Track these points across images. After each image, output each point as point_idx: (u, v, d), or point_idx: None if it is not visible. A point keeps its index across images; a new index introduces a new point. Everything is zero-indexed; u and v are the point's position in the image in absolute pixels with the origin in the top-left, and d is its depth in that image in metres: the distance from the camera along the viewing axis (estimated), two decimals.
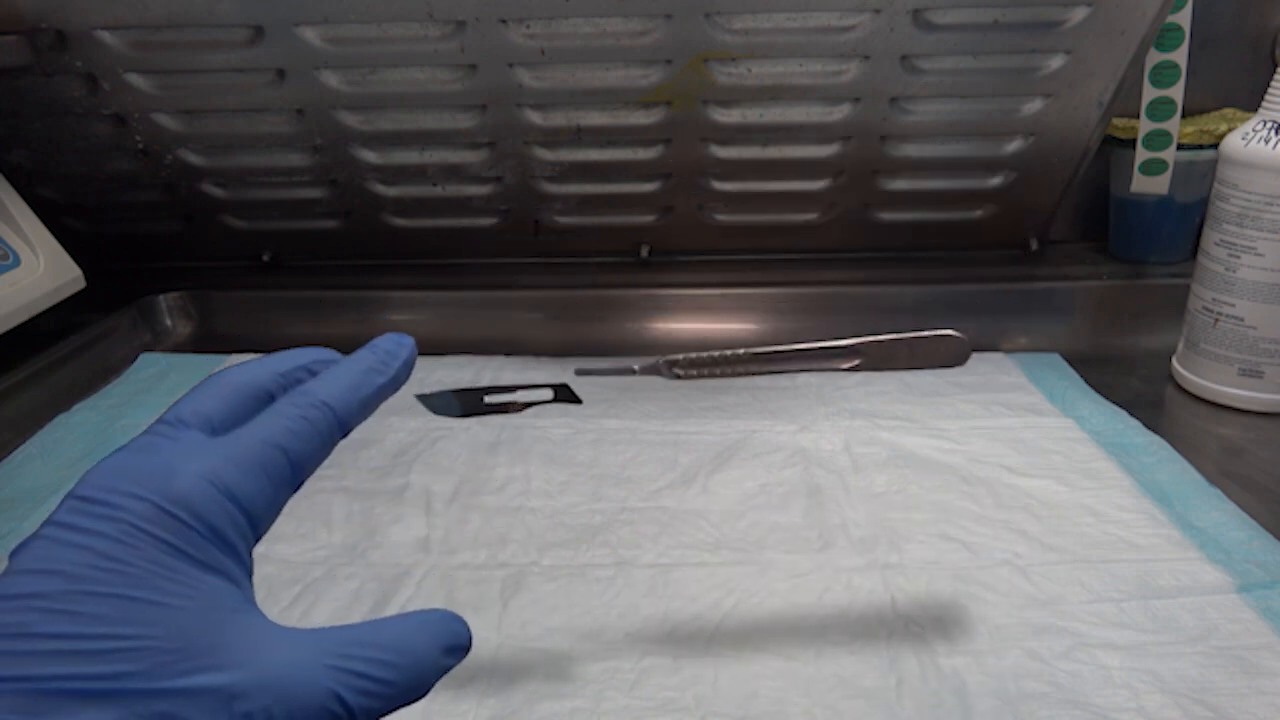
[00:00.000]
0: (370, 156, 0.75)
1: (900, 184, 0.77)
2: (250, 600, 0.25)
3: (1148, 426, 0.56)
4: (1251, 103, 0.61)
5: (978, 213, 0.79)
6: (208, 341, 0.76)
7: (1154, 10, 0.63)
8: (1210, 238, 0.59)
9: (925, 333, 0.39)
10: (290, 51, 0.67)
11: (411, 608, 0.42)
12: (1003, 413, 0.59)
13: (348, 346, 0.30)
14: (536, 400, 0.37)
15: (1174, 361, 0.64)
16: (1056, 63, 0.68)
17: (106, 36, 0.67)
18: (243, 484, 0.25)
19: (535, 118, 0.72)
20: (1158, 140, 0.71)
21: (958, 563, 0.45)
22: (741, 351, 0.38)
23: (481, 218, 0.81)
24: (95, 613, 0.21)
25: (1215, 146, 0.69)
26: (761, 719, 0.36)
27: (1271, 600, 0.41)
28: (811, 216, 0.80)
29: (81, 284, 0.69)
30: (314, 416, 0.27)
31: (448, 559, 0.46)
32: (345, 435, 0.28)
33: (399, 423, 0.58)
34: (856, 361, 0.38)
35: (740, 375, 0.38)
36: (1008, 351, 0.67)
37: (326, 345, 0.30)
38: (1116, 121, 0.75)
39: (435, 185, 0.77)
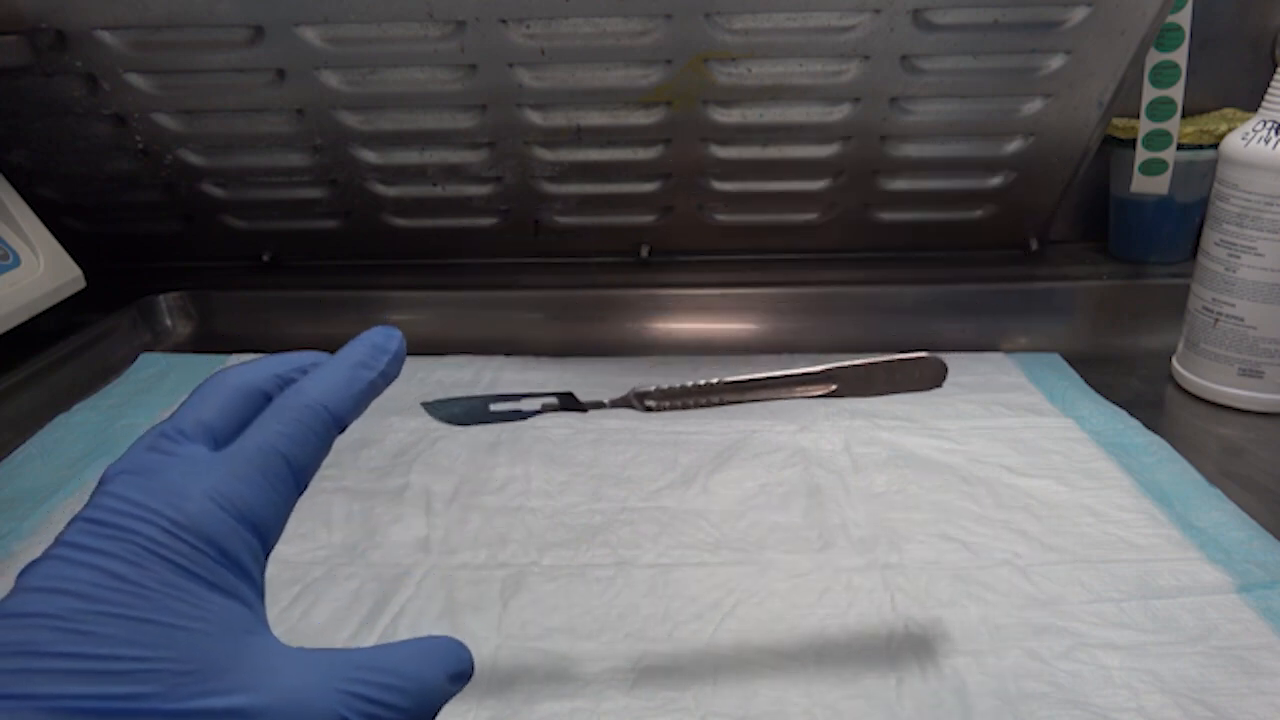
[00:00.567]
0: (370, 156, 0.75)
1: (900, 184, 0.77)
2: (262, 622, 0.25)
3: (1148, 426, 0.56)
4: (1251, 103, 0.61)
5: (978, 213, 0.79)
6: (208, 341, 0.76)
7: (1154, 10, 0.63)
8: (1210, 238, 0.59)
9: (901, 356, 0.38)
10: (290, 51, 0.67)
11: (411, 608, 0.42)
12: (1003, 413, 0.59)
13: None
14: (541, 410, 0.37)
15: (1174, 361, 0.64)
16: (1056, 63, 0.68)
17: (106, 36, 0.67)
18: (250, 501, 0.25)
19: (535, 118, 0.72)
20: (1158, 140, 0.71)
21: (958, 563, 0.45)
22: (715, 381, 0.37)
23: (481, 218, 0.81)
24: (108, 633, 0.21)
25: (1215, 146, 0.68)
26: (761, 719, 0.36)
27: (1271, 600, 0.41)
28: (811, 216, 0.80)
29: (81, 284, 0.69)
30: (310, 418, 0.27)
31: (448, 559, 0.46)
32: (342, 431, 0.28)
33: (399, 423, 0.58)
34: (833, 388, 0.38)
35: (713, 406, 0.37)
36: (1008, 351, 0.67)
37: (327, 345, 0.30)
38: (1116, 121, 0.75)
39: (435, 185, 0.77)
